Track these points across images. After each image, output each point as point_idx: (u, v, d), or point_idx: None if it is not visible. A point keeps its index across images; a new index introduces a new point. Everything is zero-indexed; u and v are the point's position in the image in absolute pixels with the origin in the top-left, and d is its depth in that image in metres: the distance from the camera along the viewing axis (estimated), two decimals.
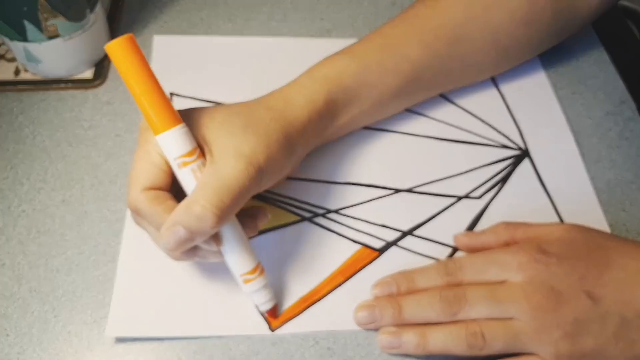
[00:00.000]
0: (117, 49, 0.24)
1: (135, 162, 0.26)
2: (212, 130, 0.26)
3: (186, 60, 0.40)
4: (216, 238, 0.26)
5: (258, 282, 0.28)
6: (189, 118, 0.26)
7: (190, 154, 0.25)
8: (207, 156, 0.26)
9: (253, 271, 0.28)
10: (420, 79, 0.35)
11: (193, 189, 0.25)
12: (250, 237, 0.28)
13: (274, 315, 0.29)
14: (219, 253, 0.27)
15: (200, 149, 0.26)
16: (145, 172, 0.26)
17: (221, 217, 0.25)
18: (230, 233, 0.26)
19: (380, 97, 0.34)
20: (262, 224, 0.29)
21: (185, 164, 0.25)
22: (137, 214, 0.27)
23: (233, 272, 0.28)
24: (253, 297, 0.29)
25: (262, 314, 0.30)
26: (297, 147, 0.30)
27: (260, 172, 0.26)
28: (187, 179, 0.25)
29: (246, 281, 0.28)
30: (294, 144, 0.29)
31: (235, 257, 0.27)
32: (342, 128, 0.34)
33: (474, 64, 0.37)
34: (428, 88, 0.37)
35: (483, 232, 0.31)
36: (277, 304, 0.30)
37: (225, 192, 0.25)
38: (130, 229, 0.32)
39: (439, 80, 0.37)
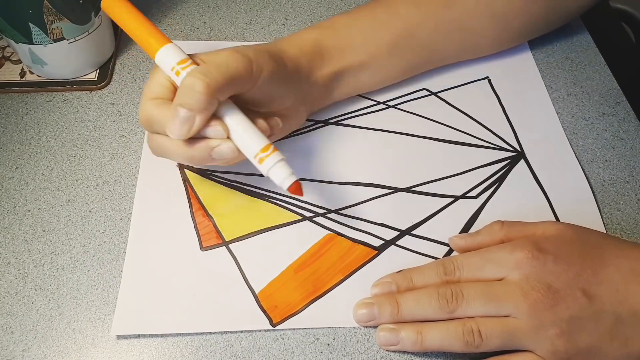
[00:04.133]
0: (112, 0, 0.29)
1: (145, 86, 0.30)
2: (209, 53, 0.29)
3: None
4: (220, 122, 0.28)
5: (273, 157, 0.28)
6: (192, 55, 0.30)
7: (183, 61, 0.28)
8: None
9: (266, 149, 0.28)
10: (414, 37, 0.37)
11: None
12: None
13: (298, 192, 0.28)
14: (232, 146, 0.28)
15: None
16: (152, 87, 0.29)
17: (209, 82, 0.26)
18: (234, 117, 0.28)
19: (376, 49, 0.36)
20: (275, 129, 0.31)
21: (181, 70, 0.28)
22: (148, 122, 0.29)
23: (247, 156, 0.28)
24: (272, 175, 0.28)
25: (263, 310, 0.30)
26: (292, 73, 0.32)
27: (248, 60, 0.29)
28: None
29: (261, 160, 0.28)
30: (287, 66, 0.32)
31: (245, 138, 0.28)
32: (341, 76, 0.36)
33: (470, 30, 0.38)
34: (426, 49, 0.38)
35: (478, 233, 0.31)
36: (299, 180, 0.28)
37: (213, 67, 0.27)
38: (136, 232, 0.33)
39: (436, 43, 0.38)
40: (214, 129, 0.28)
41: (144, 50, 0.30)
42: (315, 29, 0.35)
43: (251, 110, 0.30)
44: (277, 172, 0.28)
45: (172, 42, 0.29)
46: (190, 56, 0.29)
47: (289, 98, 0.33)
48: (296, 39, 0.34)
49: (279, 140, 0.37)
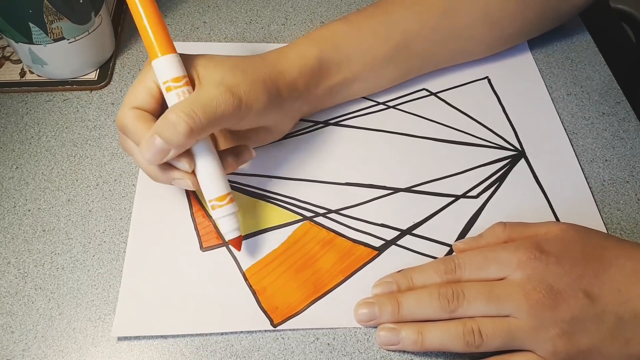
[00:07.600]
0: None
1: (131, 86, 0.29)
2: (207, 68, 0.29)
3: None
4: (189, 158, 0.28)
5: (226, 209, 0.29)
6: (190, 58, 0.29)
7: (178, 79, 0.28)
8: (196, 86, 0.29)
9: (222, 198, 0.29)
10: (411, 47, 0.37)
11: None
12: (228, 173, 0.30)
13: (237, 246, 0.31)
14: (193, 178, 0.29)
15: (193, 84, 0.29)
16: (137, 94, 0.29)
17: (192, 126, 0.27)
18: (205, 157, 0.28)
19: (372, 60, 0.36)
20: (245, 162, 0.31)
21: (172, 87, 0.28)
22: (123, 130, 0.29)
23: (205, 197, 0.29)
24: (219, 223, 0.30)
25: (264, 310, 0.30)
26: (287, 98, 0.32)
27: (238, 101, 0.28)
28: (173, 102, 0.28)
29: (214, 207, 0.29)
30: (282, 94, 0.31)
31: (207, 181, 0.29)
32: (335, 90, 0.36)
33: (465, 36, 0.38)
34: (420, 57, 0.38)
35: (481, 236, 0.31)
36: (242, 236, 0.31)
37: (199, 107, 0.27)
38: (136, 232, 0.33)
39: (431, 50, 0.38)
40: (181, 164, 0.28)
41: (145, 44, 0.29)
42: (317, 42, 0.34)
43: (230, 130, 0.31)
44: (225, 223, 0.30)
45: (175, 52, 0.28)
46: (188, 65, 0.28)
47: (276, 120, 0.33)
48: (298, 57, 0.33)
49: (277, 141, 0.37)
